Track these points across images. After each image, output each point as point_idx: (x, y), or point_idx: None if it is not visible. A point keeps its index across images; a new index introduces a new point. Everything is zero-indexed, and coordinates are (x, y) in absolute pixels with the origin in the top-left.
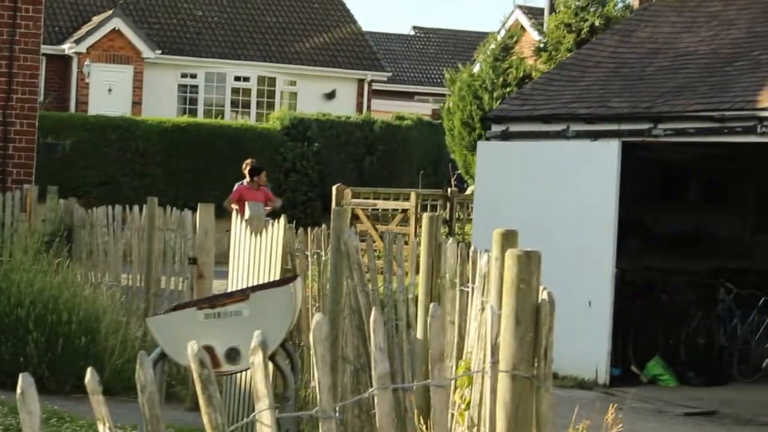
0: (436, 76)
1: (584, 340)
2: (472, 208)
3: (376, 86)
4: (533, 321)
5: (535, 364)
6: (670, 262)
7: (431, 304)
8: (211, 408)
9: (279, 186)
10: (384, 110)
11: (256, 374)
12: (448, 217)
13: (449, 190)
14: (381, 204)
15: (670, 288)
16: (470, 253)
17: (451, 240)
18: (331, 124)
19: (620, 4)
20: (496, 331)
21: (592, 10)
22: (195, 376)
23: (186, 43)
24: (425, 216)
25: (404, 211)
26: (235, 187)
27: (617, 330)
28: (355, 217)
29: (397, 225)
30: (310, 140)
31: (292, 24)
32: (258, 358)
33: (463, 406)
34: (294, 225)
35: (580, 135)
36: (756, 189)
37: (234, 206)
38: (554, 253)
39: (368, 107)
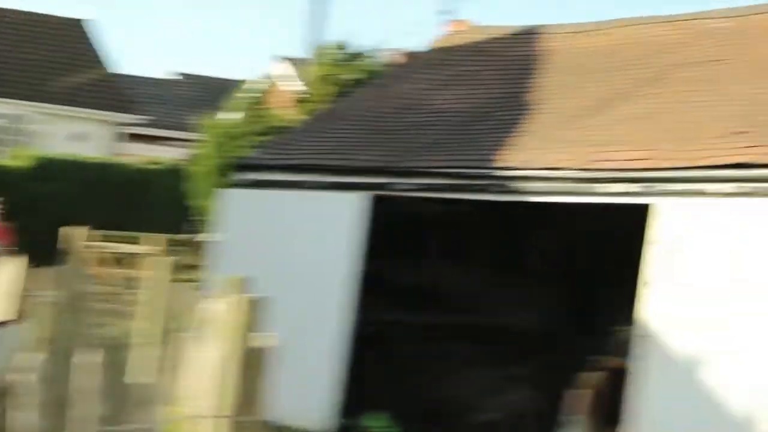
0: (192, 122)
1: (315, 390)
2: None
3: (129, 130)
4: (250, 367)
5: (250, 409)
6: (406, 316)
7: (150, 348)
8: None
9: (23, 226)
10: (136, 154)
11: None
12: (188, 263)
13: (192, 235)
14: (123, 248)
15: (403, 341)
16: (198, 299)
17: (180, 285)
18: (80, 165)
19: (380, 59)
20: (213, 376)
21: (351, 64)
22: None
23: None
24: (155, 260)
25: (144, 255)
26: None
27: (349, 381)
28: (93, 260)
29: (134, 268)
30: (56, 181)
31: (44, 63)
32: None
33: None
34: (29, 266)
35: (327, 186)
36: (490, 246)
37: None
38: (291, 303)
39: (120, 150)
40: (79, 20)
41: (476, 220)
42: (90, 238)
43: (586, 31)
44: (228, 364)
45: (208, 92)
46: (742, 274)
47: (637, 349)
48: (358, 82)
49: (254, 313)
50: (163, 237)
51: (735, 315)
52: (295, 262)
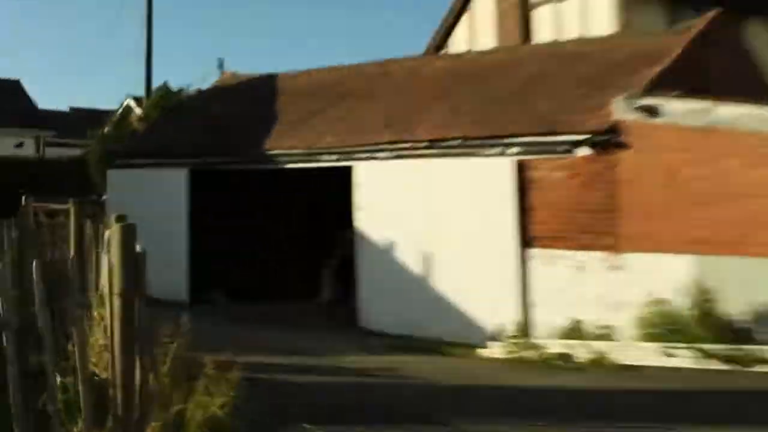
0: (85, 134)
1: (176, 279)
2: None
3: (48, 140)
4: (133, 263)
5: (135, 290)
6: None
7: (71, 257)
8: None
9: None
10: (55, 154)
11: None
12: (92, 213)
13: (93, 198)
14: (52, 206)
15: (226, 251)
16: (100, 229)
17: (89, 222)
18: (21, 162)
19: (187, 93)
20: (111, 270)
21: (175, 93)
22: None
23: None
24: (72, 210)
25: (66, 210)
26: None
27: (196, 274)
28: (36, 214)
29: (62, 218)
30: (7, 173)
31: None
32: None
33: (99, 319)
34: None
35: (165, 165)
36: (269, 197)
37: None
38: (154, 235)
39: (44, 152)
40: (17, 80)
41: (257, 183)
42: (33, 202)
43: (302, 73)
44: (116, 265)
45: (87, 116)
46: (400, 200)
47: (357, 243)
48: (174, 107)
49: (130, 233)
50: (75, 200)
51: (401, 221)
52: (156, 213)
